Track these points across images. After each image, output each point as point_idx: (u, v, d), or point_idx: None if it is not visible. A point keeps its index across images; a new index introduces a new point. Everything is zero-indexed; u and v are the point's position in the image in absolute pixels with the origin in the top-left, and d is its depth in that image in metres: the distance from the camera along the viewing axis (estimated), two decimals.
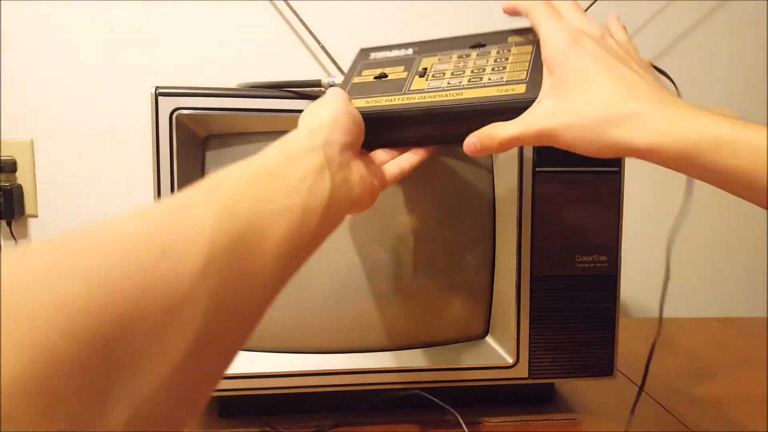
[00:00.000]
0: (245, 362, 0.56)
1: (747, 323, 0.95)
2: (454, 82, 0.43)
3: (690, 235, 1.03)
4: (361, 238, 0.57)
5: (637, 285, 1.02)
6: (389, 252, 0.58)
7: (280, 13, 0.89)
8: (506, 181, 0.57)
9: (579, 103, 0.38)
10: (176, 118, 0.52)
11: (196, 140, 0.55)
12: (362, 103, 0.44)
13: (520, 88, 0.40)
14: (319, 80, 0.53)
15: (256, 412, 0.59)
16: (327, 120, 0.39)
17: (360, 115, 0.42)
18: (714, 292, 1.05)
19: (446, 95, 0.42)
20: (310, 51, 0.90)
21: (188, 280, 0.23)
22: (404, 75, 0.45)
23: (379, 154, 0.45)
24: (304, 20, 0.88)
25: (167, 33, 0.88)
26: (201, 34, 0.88)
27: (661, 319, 0.55)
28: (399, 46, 0.48)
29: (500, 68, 0.42)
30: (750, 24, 1.00)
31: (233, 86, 0.56)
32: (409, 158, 0.45)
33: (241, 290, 0.27)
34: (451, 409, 0.58)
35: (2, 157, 0.86)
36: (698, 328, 0.91)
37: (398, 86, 0.44)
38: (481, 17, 0.92)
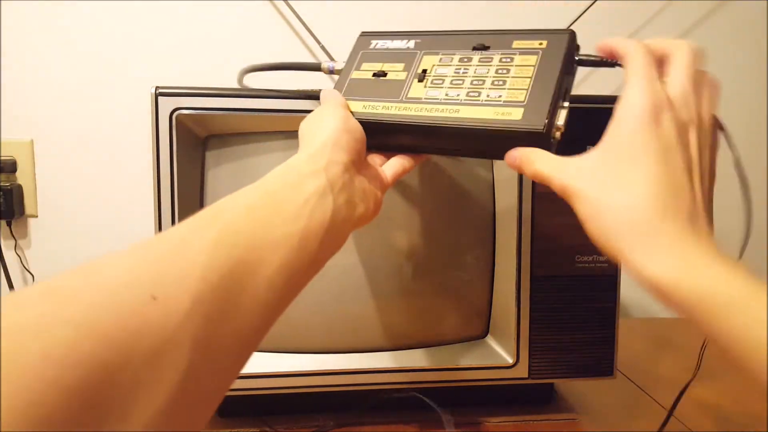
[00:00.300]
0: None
1: None
2: (452, 94, 0.42)
3: None
4: (361, 238, 0.57)
5: (636, 285, 1.01)
6: (389, 252, 0.58)
7: (280, 12, 0.89)
8: (506, 181, 0.57)
9: (613, 198, 0.34)
10: (176, 118, 0.52)
11: (196, 140, 0.55)
12: (359, 107, 0.44)
13: (517, 114, 0.39)
14: (320, 63, 0.51)
15: (256, 412, 0.59)
16: (328, 139, 0.38)
17: (361, 129, 0.41)
18: None
19: (442, 111, 0.41)
20: (310, 50, 0.90)
21: (174, 322, 0.23)
22: (403, 76, 0.44)
23: (374, 156, 0.45)
24: (304, 20, 0.87)
25: (167, 33, 0.88)
26: (200, 33, 0.88)
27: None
28: (401, 35, 0.47)
29: (500, 82, 0.41)
30: (750, 24, 1.00)
31: (233, 84, 0.56)
32: (404, 162, 0.45)
33: (230, 327, 0.26)
34: (439, 410, 0.58)
35: (2, 157, 0.86)
36: (697, 329, 0.91)
37: (396, 91, 0.44)
38: (482, 17, 0.92)
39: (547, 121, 0.38)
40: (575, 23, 0.91)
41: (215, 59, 0.88)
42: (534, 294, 0.57)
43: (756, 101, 1.03)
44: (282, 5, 0.88)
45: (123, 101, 0.87)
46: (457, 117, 0.41)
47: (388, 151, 0.45)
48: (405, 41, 0.46)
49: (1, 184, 0.85)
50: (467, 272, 0.59)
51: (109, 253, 0.25)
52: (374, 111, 0.43)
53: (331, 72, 0.50)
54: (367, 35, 0.49)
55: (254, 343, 0.29)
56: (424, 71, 0.44)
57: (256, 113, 0.54)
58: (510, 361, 0.58)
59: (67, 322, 0.20)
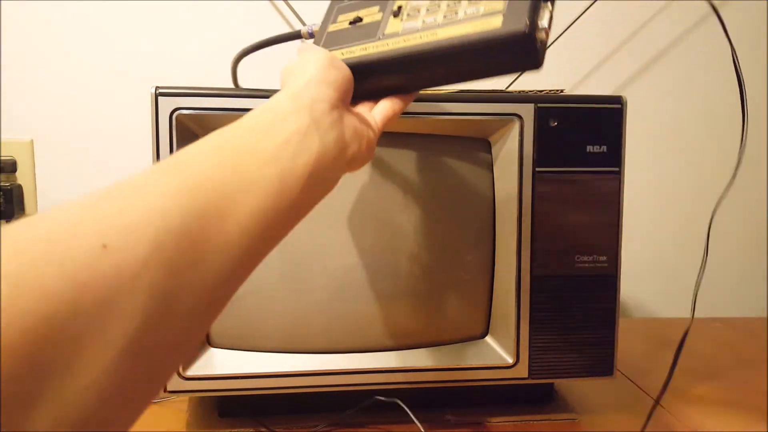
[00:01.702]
0: (244, 362, 0.56)
1: (748, 323, 0.95)
2: (429, 20, 0.40)
3: (692, 236, 1.03)
4: (360, 238, 0.57)
5: (637, 285, 1.02)
6: (388, 252, 0.58)
7: (280, 12, 0.89)
8: (506, 180, 0.57)
9: None
10: (176, 118, 0.52)
11: (196, 140, 0.55)
12: (337, 55, 0.42)
13: (497, 21, 0.36)
14: (299, 31, 0.50)
15: (255, 413, 0.59)
16: (312, 76, 0.36)
17: (347, 66, 0.39)
18: (716, 293, 1.05)
19: (421, 37, 0.39)
20: None
21: (129, 272, 0.22)
22: (379, 17, 0.43)
23: (361, 105, 0.42)
24: (304, 20, 0.87)
25: (168, 33, 0.88)
26: (201, 34, 0.88)
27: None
28: None
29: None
30: (750, 24, 1.00)
31: (232, 84, 0.56)
32: (393, 104, 0.42)
33: (196, 276, 0.25)
34: (414, 418, 0.58)
35: (2, 157, 0.86)
36: (700, 329, 0.91)
37: (372, 31, 0.42)
38: None
39: (528, 21, 0.36)
40: (575, 23, 0.91)
41: (216, 59, 0.88)
42: (534, 294, 0.57)
43: (756, 101, 1.03)
44: (282, 5, 0.88)
45: (123, 101, 0.87)
46: (435, 39, 0.38)
47: (375, 98, 0.43)
48: None
49: (1, 184, 0.85)
50: (467, 272, 0.59)
51: (59, 204, 0.23)
52: (352, 55, 0.41)
53: (311, 35, 0.48)
54: None
55: (224, 294, 0.27)
56: (399, 7, 0.42)
57: None
58: (510, 361, 0.58)
59: (6, 277, 0.19)
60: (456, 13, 0.39)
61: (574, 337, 0.58)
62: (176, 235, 0.24)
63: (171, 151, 0.52)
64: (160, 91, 0.52)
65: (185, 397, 0.64)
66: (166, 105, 0.52)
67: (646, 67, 0.99)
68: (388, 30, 0.41)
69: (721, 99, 1.01)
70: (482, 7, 0.38)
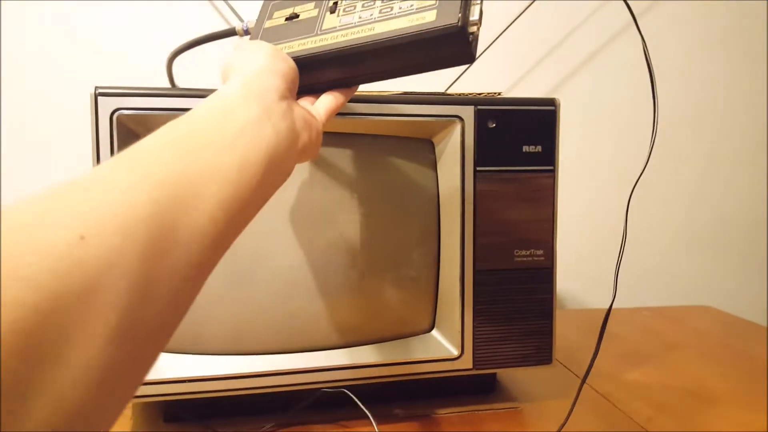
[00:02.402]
0: (190, 365, 0.56)
1: (674, 312, 1.02)
2: (365, 15, 0.41)
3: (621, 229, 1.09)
4: (306, 238, 0.58)
5: (571, 278, 1.07)
6: (334, 250, 0.59)
7: (220, 13, 0.88)
8: (449, 179, 0.59)
9: None
10: (117, 118, 0.51)
11: (137, 141, 0.54)
12: None
13: (431, 16, 0.38)
14: (233, 27, 0.50)
15: (202, 416, 0.59)
16: (260, 67, 0.36)
17: (292, 59, 0.39)
18: (644, 283, 1.12)
19: (358, 32, 0.40)
20: None
21: (106, 261, 0.22)
22: (315, 13, 0.43)
23: (304, 99, 0.43)
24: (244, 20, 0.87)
25: (106, 33, 0.85)
26: (140, 34, 0.86)
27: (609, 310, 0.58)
28: None
29: None
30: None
31: (183, 84, 0.55)
32: (335, 98, 0.43)
33: (169, 264, 0.25)
34: (364, 408, 0.59)
35: None
36: (629, 318, 0.97)
37: (310, 27, 0.43)
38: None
39: (460, 14, 0.37)
40: (510, 27, 0.95)
41: (156, 60, 0.86)
42: (477, 287, 0.59)
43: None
44: (221, 5, 0.87)
45: (66, 102, 0.84)
46: (372, 34, 0.39)
47: (316, 92, 0.43)
48: None
49: None
50: (413, 269, 0.61)
51: (25, 197, 0.23)
52: (291, 50, 0.42)
53: (246, 32, 0.48)
54: None
55: (198, 280, 0.28)
56: (335, 3, 0.43)
57: None
58: (455, 353, 0.60)
59: None
60: (391, 8, 0.40)
61: (514, 328, 0.61)
62: (147, 225, 0.24)
63: (112, 152, 0.51)
64: (100, 91, 0.51)
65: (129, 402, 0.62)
66: (107, 105, 0.51)
67: (576, 70, 1.04)
68: (326, 25, 0.42)
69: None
70: (416, 2, 0.39)
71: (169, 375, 0.55)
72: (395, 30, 0.39)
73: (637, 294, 1.10)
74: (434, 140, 0.60)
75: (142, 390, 0.54)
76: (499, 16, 0.95)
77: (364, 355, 0.59)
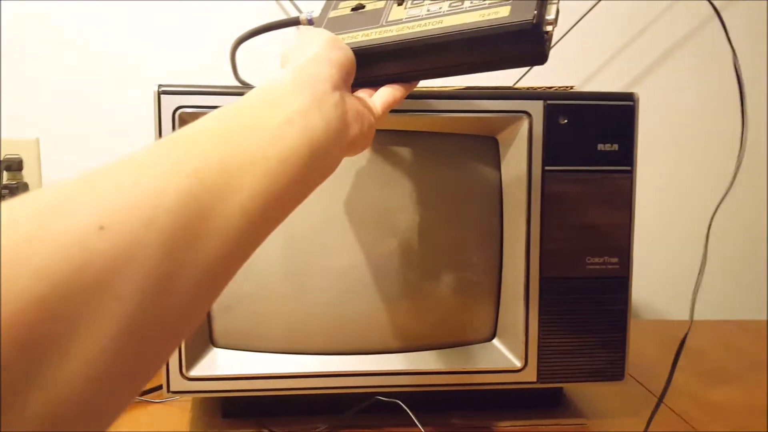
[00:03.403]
0: (248, 363, 0.56)
1: (760, 326, 0.94)
2: (434, 8, 0.39)
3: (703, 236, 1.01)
4: (365, 238, 0.56)
5: (648, 286, 1.00)
6: (394, 252, 0.57)
7: (286, 12, 0.88)
8: (514, 179, 0.56)
9: None
10: (179, 116, 0.52)
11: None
12: None
13: (504, 11, 0.36)
14: (297, 17, 0.49)
15: (258, 413, 0.59)
16: (315, 55, 0.35)
17: (350, 48, 0.38)
18: (727, 295, 1.04)
19: (425, 25, 0.38)
20: None
21: (125, 253, 0.21)
22: (382, 4, 0.42)
23: (362, 91, 0.41)
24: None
25: (172, 31, 0.87)
26: (205, 31, 0.88)
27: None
28: None
29: None
30: (750, 24, 0.99)
31: (236, 82, 0.55)
32: (394, 91, 0.41)
33: (195, 257, 0.24)
34: (416, 421, 0.57)
35: (8, 156, 0.86)
36: (711, 331, 0.90)
37: (375, 18, 0.41)
38: None
39: (536, 12, 0.35)
40: (579, 23, 0.90)
41: (221, 57, 0.88)
42: (543, 296, 0.56)
43: (756, 102, 1.01)
44: (287, 4, 0.87)
45: (127, 99, 0.87)
46: (440, 27, 0.38)
47: (376, 85, 0.42)
48: None
49: (7, 182, 0.85)
50: (473, 273, 0.58)
51: (55, 182, 0.23)
52: (354, 40, 0.40)
53: (309, 22, 0.48)
54: None
55: (223, 276, 0.27)
56: None
57: None
58: (518, 365, 0.57)
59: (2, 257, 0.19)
60: (461, 2, 0.38)
61: (583, 341, 0.57)
62: (173, 215, 0.23)
63: None
64: (163, 89, 0.52)
65: (189, 397, 0.63)
66: (169, 103, 0.52)
67: (656, 63, 0.98)
68: (392, 17, 0.41)
69: (722, 100, 0.99)
70: None
71: (227, 372, 0.55)
72: (465, 24, 0.37)
73: (719, 306, 1.02)
74: (498, 138, 0.57)
75: (200, 386, 0.55)
76: (574, 4, 0.90)
77: (422, 361, 0.57)
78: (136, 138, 0.87)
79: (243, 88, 0.53)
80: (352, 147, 0.36)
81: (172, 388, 0.54)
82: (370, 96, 0.41)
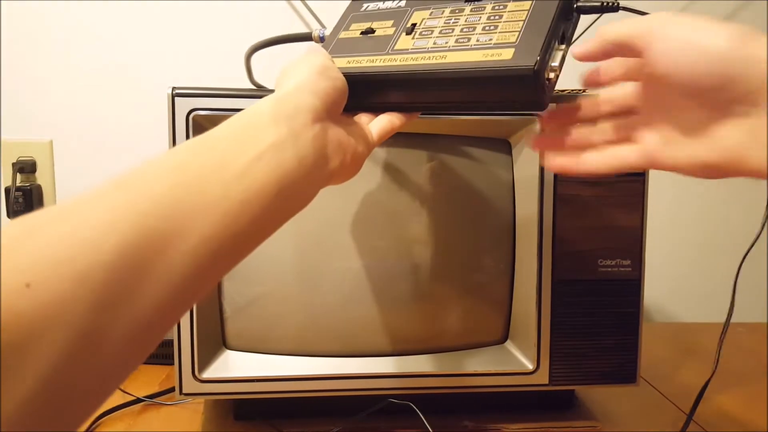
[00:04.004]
0: (260, 365, 0.56)
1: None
2: (440, 42, 0.39)
3: (715, 242, 1.01)
4: (377, 240, 0.56)
5: (660, 288, 1.00)
6: (406, 254, 0.57)
7: (297, 12, 0.89)
8: (527, 181, 0.56)
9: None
10: (193, 119, 0.52)
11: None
12: (343, 63, 0.41)
13: (508, 54, 0.36)
14: (310, 33, 0.49)
15: (270, 415, 0.59)
16: (300, 83, 0.34)
17: (342, 78, 0.37)
18: (739, 297, 1.03)
19: (429, 58, 0.38)
20: None
21: (51, 311, 0.21)
22: (392, 31, 0.42)
23: (361, 115, 0.41)
24: (321, 19, 0.87)
25: (185, 33, 0.88)
26: (218, 33, 0.88)
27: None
28: None
29: (492, 27, 0.38)
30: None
31: (249, 85, 0.55)
32: (393, 119, 0.40)
33: (128, 315, 0.23)
34: (428, 426, 0.57)
35: (22, 158, 0.87)
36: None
37: (383, 45, 0.41)
38: None
39: (538, 58, 0.35)
40: (591, 27, 0.89)
41: (233, 60, 0.88)
42: (555, 298, 0.56)
43: None
44: (299, 5, 0.88)
45: (141, 101, 0.88)
46: (443, 63, 0.38)
47: (377, 111, 0.41)
48: (397, 1, 0.44)
49: (21, 184, 0.86)
50: (486, 275, 0.58)
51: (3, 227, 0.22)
52: (359, 65, 0.41)
53: (321, 39, 0.48)
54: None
55: (159, 329, 0.25)
56: (414, 25, 0.41)
57: None
58: (530, 367, 0.57)
59: None
60: (468, 39, 0.38)
61: (596, 343, 0.57)
62: (109, 271, 0.22)
63: None
64: (177, 91, 0.52)
65: (201, 399, 0.64)
66: (183, 105, 0.52)
67: None
68: (398, 45, 0.41)
69: None
70: (495, 37, 0.38)
71: (239, 374, 0.55)
72: (466, 62, 0.37)
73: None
74: (511, 140, 0.57)
75: (212, 388, 0.55)
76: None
77: (435, 363, 0.57)
78: (150, 140, 0.88)
79: (258, 91, 0.54)
80: (332, 178, 0.35)
81: (184, 390, 0.54)
82: (370, 121, 0.40)
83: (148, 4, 0.87)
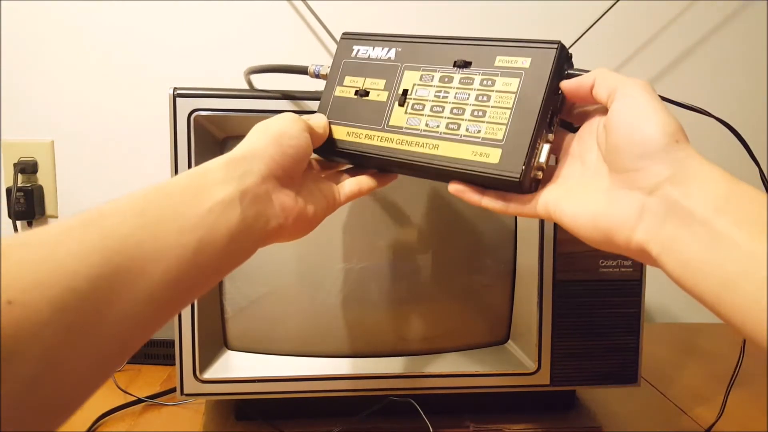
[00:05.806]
0: (261, 365, 0.56)
1: None
2: (432, 124, 0.42)
3: None
4: (379, 241, 0.56)
5: (661, 289, 1.00)
6: (407, 255, 0.57)
7: (298, 12, 0.89)
8: None
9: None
10: (194, 119, 0.52)
11: (214, 141, 0.54)
12: (343, 133, 0.44)
13: (495, 156, 0.38)
14: (306, 67, 0.50)
15: (271, 416, 0.59)
16: (252, 149, 0.37)
17: (298, 145, 0.39)
18: None
19: (422, 146, 0.41)
20: (328, 50, 0.89)
21: (28, 331, 0.22)
22: (384, 97, 0.44)
23: (342, 173, 0.45)
24: (322, 19, 0.87)
25: (186, 33, 0.88)
26: (219, 34, 0.88)
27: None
28: (381, 41, 0.46)
29: (480, 113, 0.40)
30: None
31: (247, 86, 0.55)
32: (364, 185, 0.44)
33: (92, 340, 0.25)
34: (428, 421, 0.57)
35: (23, 158, 0.87)
36: (725, 334, 0.89)
37: (378, 116, 0.44)
38: (499, 20, 0.91)
39: (523, 168, 0.37)
40: (593, 27, 0.89)
41: (234, 60, 0.88)
42: (557, 299, 0.56)
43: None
44: (300, 5, 0.88)
45: (142, 102, 0.88)
46: (435, 155, 0.41)
47: (364, 170, 0.45)
48: (386, 50, 0.46)
49: (22, 184, 0.86)
50: (487, 276, 0.58)
51: None
52: (358, 141, 0.44)
53: (317, 76, 0.48)
54: (348, 38, 0.48)
55: (117, 359, 0.27)
56: (405, 92, 0.43)
57: (273, 115, 0.53)
58: (532, 367, 0.57)
59: None
60: (458, 126, 0.41)
61: (597, 344, 0.57)
62: (81, 298, 0.24)
63: (189, 151, 0.52)
64: (179, 92, 0.52)
65: (202, 399, 0.64)
66: (184, 106, 0.52)
67: (672, 65, 0.97)
68: (393, 120, 0.43)
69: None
70: (483, 128, 0.40)
71: (240, 374, 0.55)
72: (457, 160, 0.40)
73: None
74: None
75: (213, 388, 0.55)
76: (592, 4, 0.90)
77: (436, 363, 0.57)
78: (151, 141, 0.88)
79: (259, 92, 0.54)
80: (273, 237, 0.37)
81: (185, 391, 0.54)
82: (343, 180, 0.44)
83: (150, 4, 0.87)
